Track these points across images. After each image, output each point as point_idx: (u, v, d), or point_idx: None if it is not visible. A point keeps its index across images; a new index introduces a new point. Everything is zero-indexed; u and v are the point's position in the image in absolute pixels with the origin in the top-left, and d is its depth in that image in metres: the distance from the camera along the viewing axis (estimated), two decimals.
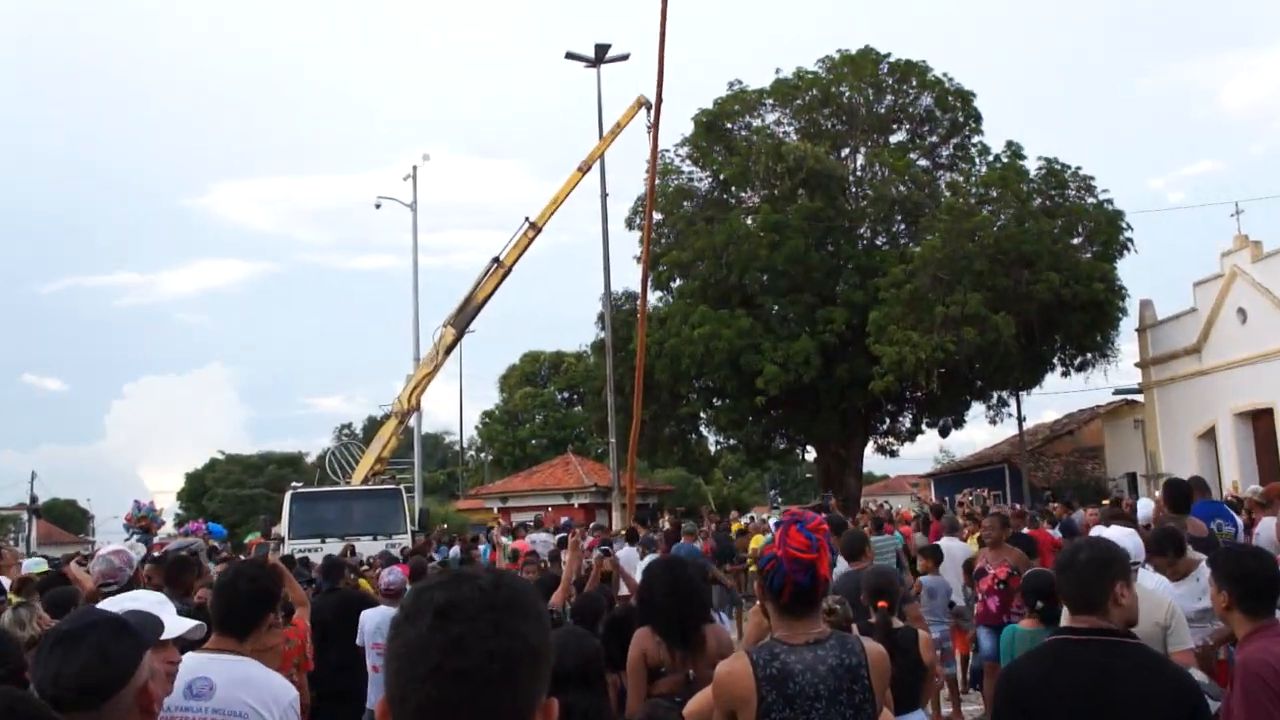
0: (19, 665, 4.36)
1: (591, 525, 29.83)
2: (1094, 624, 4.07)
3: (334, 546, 25.17)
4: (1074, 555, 4.27)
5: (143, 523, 34.46)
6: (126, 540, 33.36)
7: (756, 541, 19.86)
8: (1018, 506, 25.19)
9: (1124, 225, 37.42)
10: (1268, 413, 32.44)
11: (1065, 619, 4.27)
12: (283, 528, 28.08)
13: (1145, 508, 12.53)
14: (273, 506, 38.87)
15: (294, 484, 33.07)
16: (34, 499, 65.26)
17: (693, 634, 6.27)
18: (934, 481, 58.67)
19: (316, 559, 18.66)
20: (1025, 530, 15.28)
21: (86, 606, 3.59)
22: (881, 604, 7.38)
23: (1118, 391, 41.59)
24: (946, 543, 14.47)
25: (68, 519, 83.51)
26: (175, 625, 3.66)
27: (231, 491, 78.64)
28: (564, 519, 33.54)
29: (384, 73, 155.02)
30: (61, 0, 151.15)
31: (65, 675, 2.76)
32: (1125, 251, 37.38)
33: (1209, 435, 34.91)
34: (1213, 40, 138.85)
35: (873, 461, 51.16)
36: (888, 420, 44.17)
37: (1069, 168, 38.12)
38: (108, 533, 61.98)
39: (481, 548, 26.45)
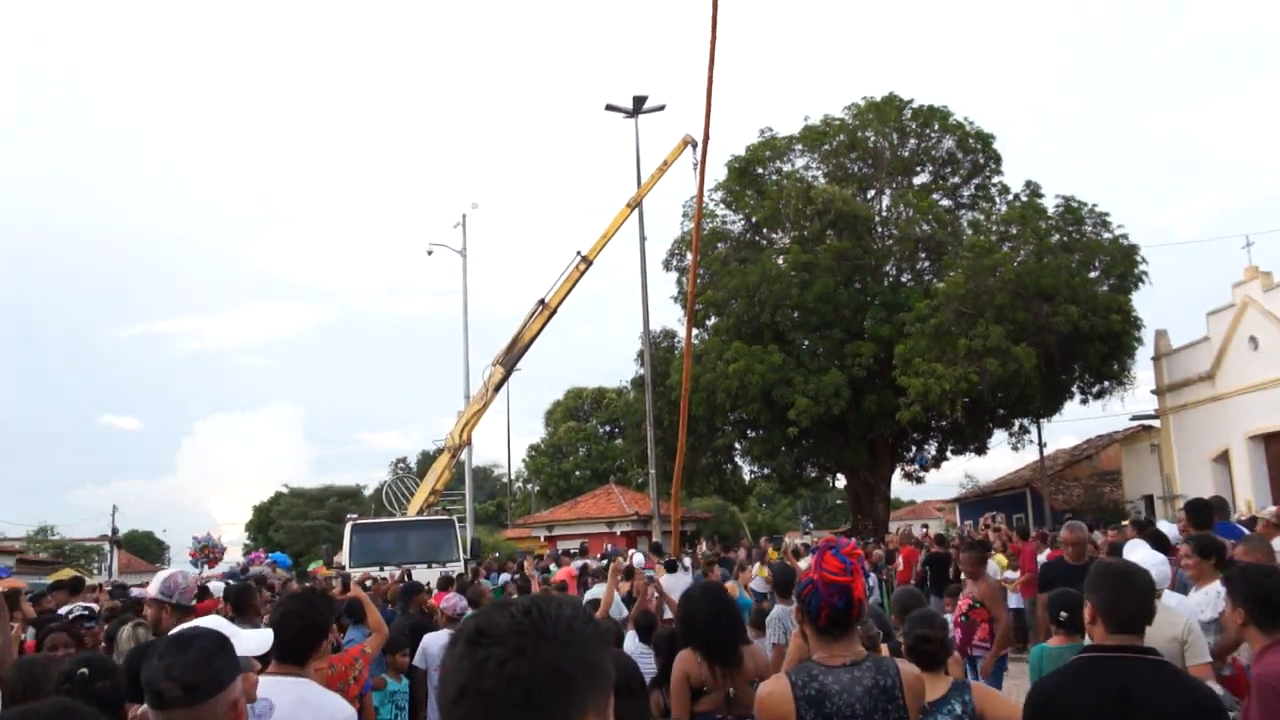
0: (115, 682, 4.64)
1: (650, 546, 29.79)
2: (1127, 642, 4.09)
3: (392, 573, 25.26)
4: (1127, 578, 4.25)
5: (205, 553, 34.77)
6: (196, 568, 33.56)
7: (761, 572, 19.68)
8: (1042, 529, 24.96)
9: (1139, 259, 37.29)
10: (1278, 436, 32.18)
11: (1094, 635, 4.22)
12: (344, 557, 28.17)
13: (1169, 529, 12.38)
14: (334, 537, 38.99)
15: (353, 515, 33.15)
16: (115, 531, 66.08)
17: (732, 654, 6.30)
18: (959, 506, 58.37)
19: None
20: (1046, 552, 15.14)
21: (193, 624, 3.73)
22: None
23: (1135, 417, 41.34)
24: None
25: (145, 549, 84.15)
26: (252, 643, 3.90)
27: (295, 523, 79.04)
28: (608, 546, 33.51)
29: (438, 125, 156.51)
30: (136, 77, 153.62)
31: (174, 670, 2.95)
32: (1140, 284, 37.25)
33: (1223, 458, 34.63)
34: (1220, 80, 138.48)
35: (900, 488, 50.92)
36: (914, 448, 44.00)
37: (1085, 205, 38.08)
38: (181, 561, 62.60)
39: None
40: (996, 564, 15.25)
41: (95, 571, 55.09)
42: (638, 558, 21.15)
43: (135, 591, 14.01)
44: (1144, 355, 38.32)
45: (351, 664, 5.91)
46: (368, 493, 77.95)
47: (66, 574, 22.61)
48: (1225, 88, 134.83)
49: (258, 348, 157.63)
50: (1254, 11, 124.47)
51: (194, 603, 6.75)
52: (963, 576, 11.67)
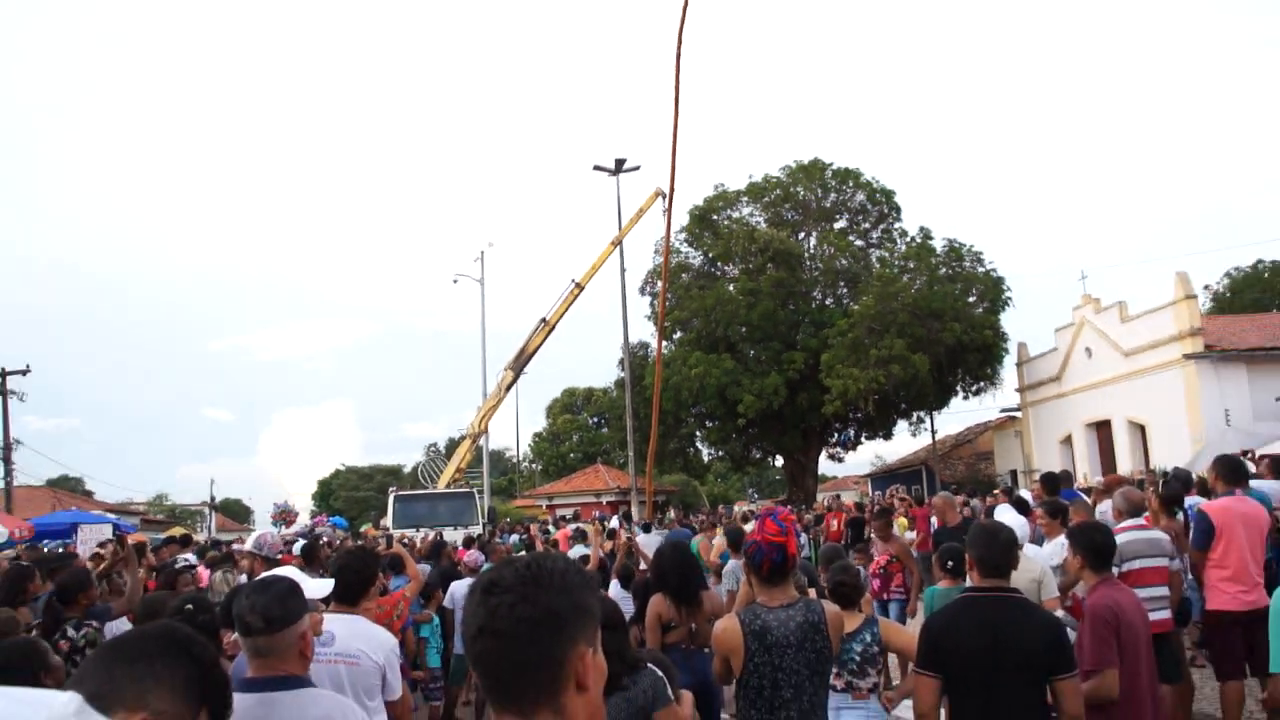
0: (213, 616, 4.84)
1: (623, 514, 29.70)
2: (997, 584, 4.18)
3: (426, 534, 25.15)
4: (995, 535, 4.32)
5: (283, 515, 34.53)
6: (276, 528, 33.40)
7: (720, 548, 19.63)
8: (934, 498, 24.98)
9: (1005, 288, 37.55)
10: (1107, 424, 32.67)
11: (973, 579, 4.29)
12: (388, 520, 28.03)
13: (1028, 496, 12.47)
14: (380, 504, 38.76)
15: (394, 488, 32.99)
16: (213, 498, 65.93)
17: (694, 598, 6.33)
18: (871, 480, 58.33)
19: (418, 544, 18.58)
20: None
21: (271, 573, 3.84)
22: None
23: (1003, 410, 41.55)
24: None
25: (235, 513, 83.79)
26: (316, 589, 3.98)
27: (350, 493, 78.72)
28: (595, 513, 33.46)
29: (460, 180, 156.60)
30: (228, 129, 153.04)
31: (257, 606, 3.06)
32: (1006, 307, 37.54)
33: (1067, 441, 34.98)
34: (1058, 148, 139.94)
35: (825, 465, 50.94)
36: (836, 434, 44.07)
37: (965, 245, 38.30)
38: (263, 522, 62.47)
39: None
40: (899, 526, 15.23)
41: (198, 530, 54.81)
42: (614, 522, 21.18)
43: (235, 546, 14.04)
44: (1010, 362, 38.69)
45: (395, 605, 5.91)
46: (406, 470, 77.37)
47: (178, 531, 22.50)
48: (1061, 158, 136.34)
49: (321, 356, 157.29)
50: (1078, 87, 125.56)
51: (279, 555, 6.76)
52: (872, 537, 11.69)
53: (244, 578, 7.86)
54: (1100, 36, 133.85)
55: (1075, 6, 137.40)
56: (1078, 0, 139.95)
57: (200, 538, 29.43)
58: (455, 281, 45.00)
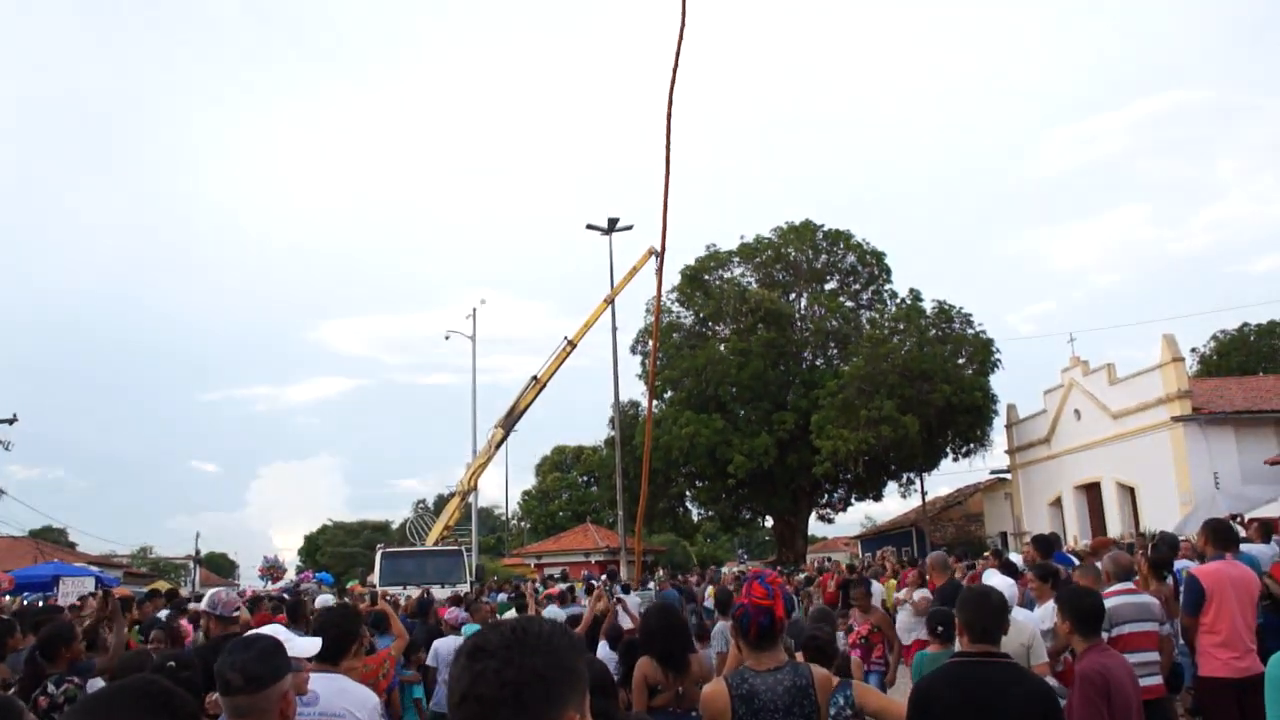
0: (195, 673, 4.64)
1: (607, 573, 29.43)
2: (986, 650, 4.15)
3: (413, 592, 24.89)
4: (984, 599, 4.29)
5: (271, 571, 34.28)
6: (262, 583, 33.08)
7: (712, 594, 19.58)
8: (923, 560, 24.89)
9: (994, 349, 37.72)
10: (1096, 486, 32.73)
11: (963, 644, 4.27)
12: (375, 577, 27.74)
13: (1017, 559, 12.39)
14: (368, 561, 38.44)
15: (382, 544, 32.68)
16: (198, 552, 65.23)
17: (681, 661, 6.25)
18: (861, 541, 58.09)
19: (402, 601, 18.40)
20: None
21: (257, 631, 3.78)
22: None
23: (993, 472, 41.50)
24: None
25: (219, 567, 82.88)
26: (304, 647, 3.93)
27: (337, 549, 77.83)
28: (584, 573, 33.20)
29: (451, 237, 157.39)
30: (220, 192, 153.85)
31: (238, 664, 3.02)
32: (995, 369, 37.68)
33: (1057, 503, 35.03)
34: (1048, 215, 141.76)
35: (815, 526, 50.72)
36: (826, 495, 43.94)
37: (955, 307, 38.52)
38: (248, 577, 61.82)
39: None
40: (887, 590, 15.13)
41: (182, 584, 54.22)
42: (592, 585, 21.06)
43: (191, 606, 13.90)
44: (999, 424, 38.82)
45: (380, 664, 5.85)
46: (395, 526, 76.98)
47: (162, 586, 22.26)
48: (1051, 223, 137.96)
49: (310, 409, 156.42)
50: (1063, 150, 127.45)
51: (235, 614, 6.65)
52: (852, 606, 11.47)
53: (203, 636, 7.74)
54: (1083, 98, 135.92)
55: (1058, 75, 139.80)
56: (1060, 69, 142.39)
57: (184, 592, 29.15)
58: (447, 338, 45.01)
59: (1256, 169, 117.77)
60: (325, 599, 15.32)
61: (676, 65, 25.28)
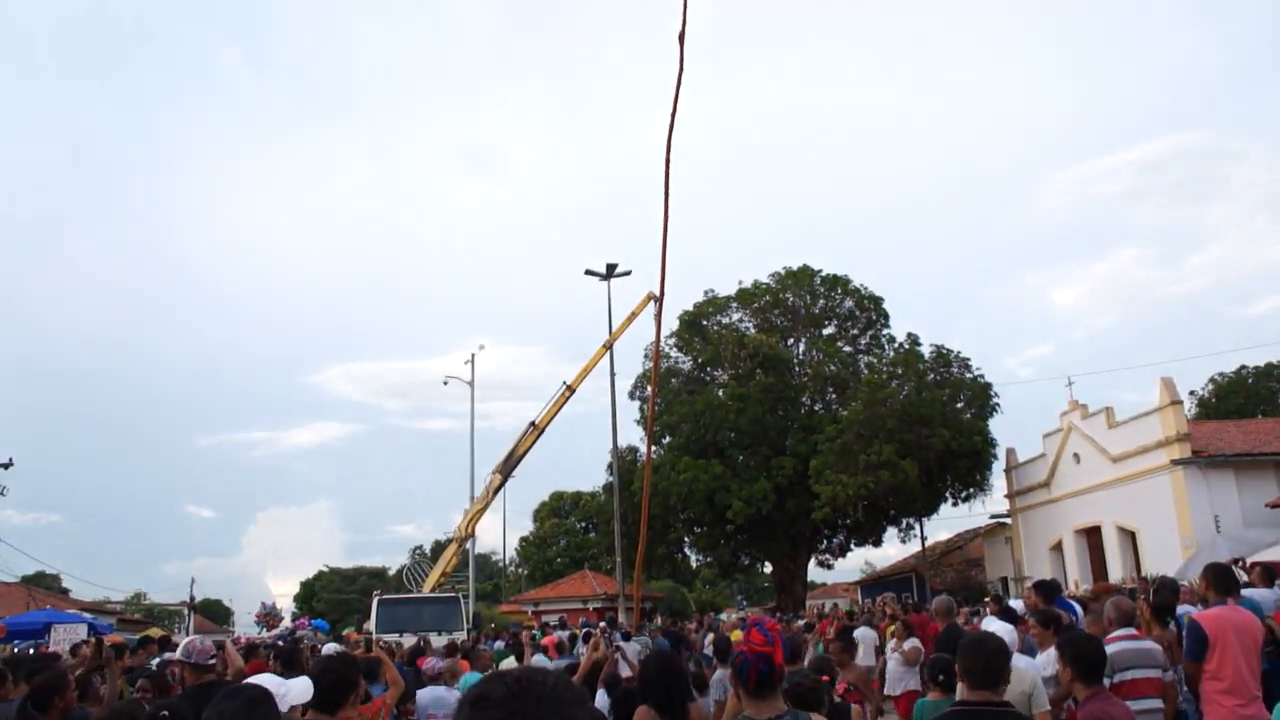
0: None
1: (601, 625, 29.17)
2: (987, 698, 4.09)
3: (409, 640, 24.67)
4: (984, 646, 4.25)
5: (267, 618, 34.06)
6: (259, 630, 32.86)
7: (735, 634, 19.47)
8: (926, 607, 24.71)
9: (993, 394, 37.77)
10: (1097, 529, 32.61)
11: (963, 692, 4.22)
12: (372, 624, 27.52)
13: (1018, 605, 12.30)
14: (364, 608, 38.16)
15: (379, 591, 32.45)
16: (192, 598, 64.65)
17: (681, 709, 6.18)
18: (860, 587, 57.77)
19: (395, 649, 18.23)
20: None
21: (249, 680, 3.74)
22: (824, 678, 7.24)
23: (993, 516, 41.41)
24: (860, 632, 14.15)
25: (214, 614, 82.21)
26: (294, 693, 3.90)
27: (334, 595, 77.38)
28: (581, 620, 32.93)
29: (450, 282, 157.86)
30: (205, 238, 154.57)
31: (225, 714, 3.01)
32: (994, 413, 37.72)
33: (1058, 547, 34.89)
34: (1045, 258, 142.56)
35: (814, 572, 50.43)
36: (825, 541, 43.74)
37: (953, 352, 38.61)
38: (244, 624, 61.35)
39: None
40: (888, 635, 14.99)
41: (176, 630, 53.76)
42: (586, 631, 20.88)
43: (165, 655, 13.75)
44: (998, 468, 38.75)
45: (376, 713, 5.80)
46: (391, 573, 76.36)
47: (155, 632, 22.10)
48: (1048, 266, 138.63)
49: (307, 455, 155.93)
50: (1060, 194, 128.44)
51: (210, 661, 6.59)
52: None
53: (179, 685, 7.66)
54: (1079, 142, 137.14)
55: (1054, 119, 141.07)
56: (1057, 113, 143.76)
57: (178, 639, 28.91)
58: (446, 383, 45.02)
59: (1251, 211, 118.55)
60: (331, 647, 15.21)
61: (675, 111, 25.35)
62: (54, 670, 6.93)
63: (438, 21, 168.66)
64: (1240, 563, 15.20)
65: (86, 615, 28.92)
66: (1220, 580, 7.64)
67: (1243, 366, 52.28)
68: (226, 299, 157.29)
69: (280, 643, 13.28)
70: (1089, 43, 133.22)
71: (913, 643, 11.86)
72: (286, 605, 73.18)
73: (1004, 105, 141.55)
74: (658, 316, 31.61)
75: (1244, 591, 8.38)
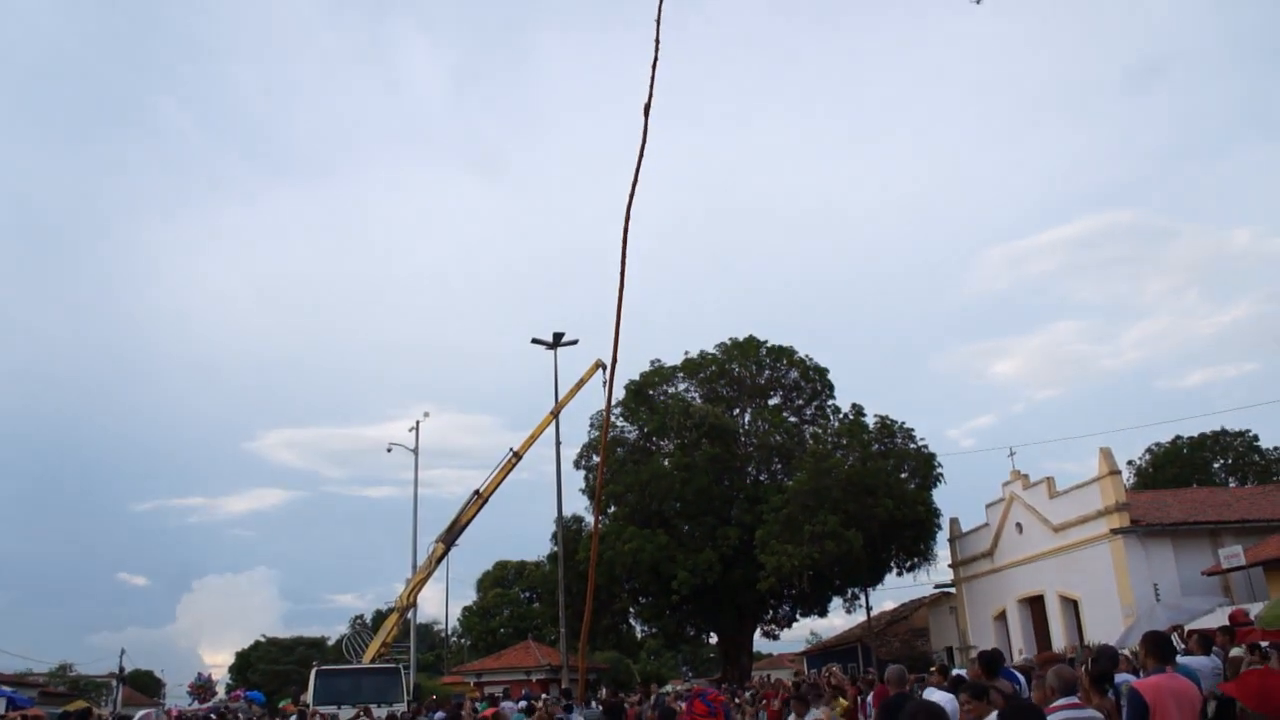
0: None
1: (560, 691, 28.71)
2: None
3: (348, 712, 24.06)
4: (926, 714, 4.25)
5: (201, 690, 33.02)
6: (191, 702, 31.85)
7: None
8: (870, 673, 24.57)
9: (936, 464, 38.01)
10: (1040, 599, 32.85)
11: None
12: (309, 696, 26.82)
13: (962, 674, 12.27)
14: (302, 679, 37.15)
15: (317, 662, 31.66)
16: (122, 670, 62.50)
17: None
18: (806, 658, 57.43)
19: None
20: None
21: None
22: None
23: (937, 586, 41.64)
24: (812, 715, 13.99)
25: (145, 686, 79.34)
26: None
27: (270, 666, 75.30)
28: (524, 691, 32.40)
29: (393, 351, 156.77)
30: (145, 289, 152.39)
31: None
32: (938, 483, 37.97)
33: (1001, 616, 35.07)
34: (985, 331, 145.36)
35: (760, 642, 50.14)
36: (771, 611, 43.53)
37: (897, 423, 38.83)
38: (176, 696, 59.46)
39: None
40: (839, 708, 14.84)
41: (103, 704, 51.83)
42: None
43: None
44: (942, 538, 39.04)
45: None
46: (331, 643, 74.67)
47: (78, 705, 21.34)
48: (988, 338, 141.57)
49: (245, 522, 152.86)
50: (1004, 267, 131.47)
51: None
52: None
53: None
54: (1016, 219, 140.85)
55: (993, 196, 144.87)
56: (996, 191, 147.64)
57: (104, 712, 27.88)
58: (389, 451, 44.44)
59: (1181, 287, 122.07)
60: None
61: (635, 182, 25.36)
62: None
63: (388, 83, 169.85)
64: (1179, 630, 15.36)
65: (6, 689, 27.88)
66: (1158, 648, 7.69)
67: (1178, 437, 53.44)
68: (165, 361, 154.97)
69: (213, 716, 12.88)
70: (1026, 122, 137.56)
71: (825, 710, 11.74)
72: (221, 676, 71.24)
73: (945, 182, 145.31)
74: (608, 384, 31.56)
75: (1182, 659, 8.44)
